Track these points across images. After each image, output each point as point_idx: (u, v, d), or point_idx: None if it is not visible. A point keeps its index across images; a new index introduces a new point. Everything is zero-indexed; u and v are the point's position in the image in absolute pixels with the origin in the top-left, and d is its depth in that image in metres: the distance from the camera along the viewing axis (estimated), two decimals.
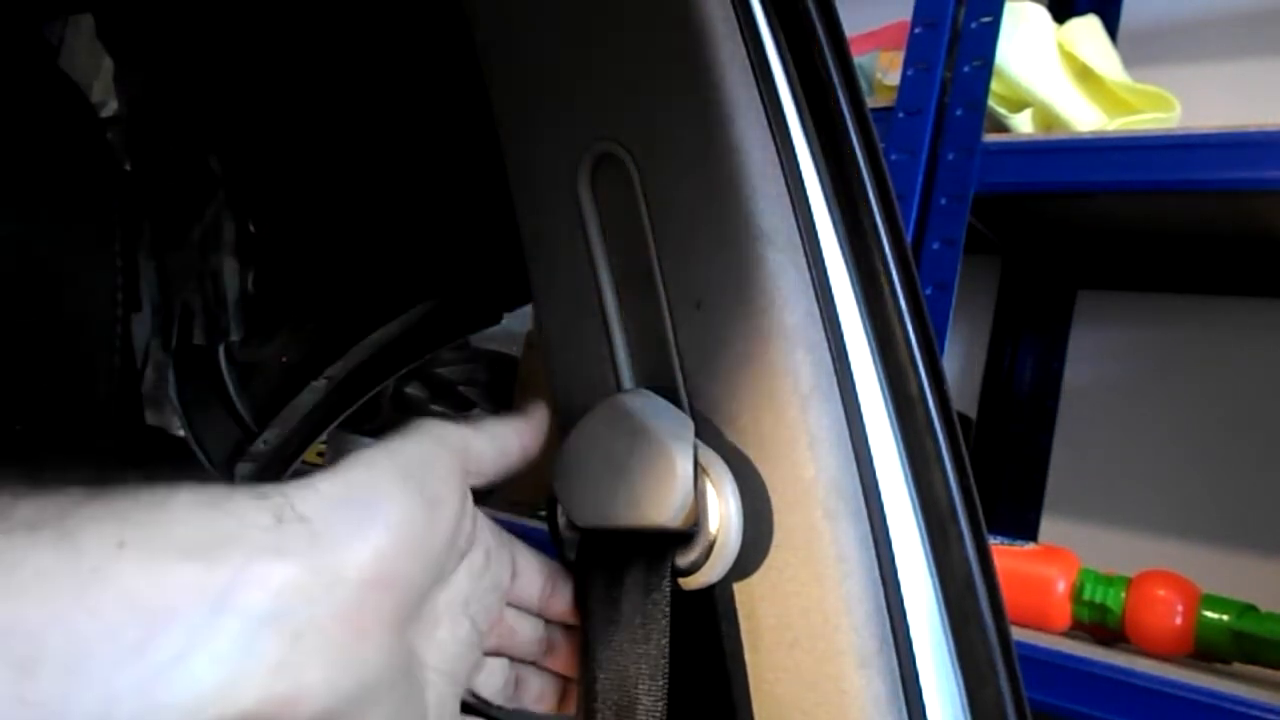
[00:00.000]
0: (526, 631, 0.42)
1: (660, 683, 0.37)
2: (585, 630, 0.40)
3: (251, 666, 0.30)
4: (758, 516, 0.37)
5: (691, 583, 0.38)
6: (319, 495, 0.33)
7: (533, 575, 0.42)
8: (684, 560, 0.38)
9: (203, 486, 0.32)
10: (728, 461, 0.38)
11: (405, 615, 0.35)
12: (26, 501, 0.28)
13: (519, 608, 0.42)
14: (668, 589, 0.38)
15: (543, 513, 0.44)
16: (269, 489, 0.33)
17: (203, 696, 0.29)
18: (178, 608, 0.29)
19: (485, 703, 0.43)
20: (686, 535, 0.38)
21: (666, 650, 0.37)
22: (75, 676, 0.27)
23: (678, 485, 0.37)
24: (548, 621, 0.43)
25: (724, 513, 0.37)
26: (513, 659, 0.43)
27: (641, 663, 0.37)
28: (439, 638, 0.39)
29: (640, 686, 0.37)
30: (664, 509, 0.37)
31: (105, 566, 0.28)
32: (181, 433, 0.86)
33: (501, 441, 0.40)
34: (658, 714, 0.36)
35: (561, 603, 0.42)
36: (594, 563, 0.41)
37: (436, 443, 0.38)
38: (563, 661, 0.43)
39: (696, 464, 0.38)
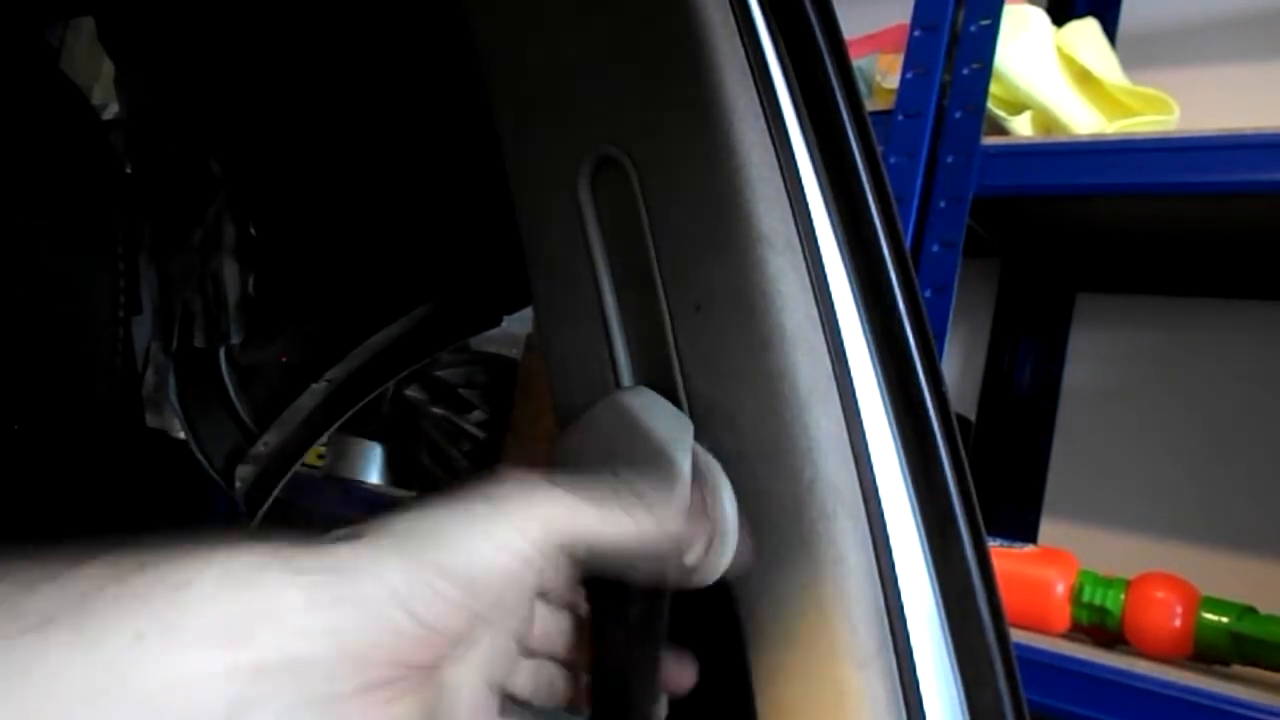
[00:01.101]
0: (546, 622, 0.42)
1: (661, 681, 0.37)
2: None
3: None
4: (756, 518, 0.38)
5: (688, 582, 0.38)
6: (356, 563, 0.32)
7: None
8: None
9: (236, 555, 0.30)
10: (726, 463, 0.38)
11: (440, 663, 0.34)
12: (42, 592, 0.28)
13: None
14: (668, 590, 0.38)
15: None
16: (306, 560, 0.31)
17: None
18: (192, 709, 0.28)
19: (525, 704, 0.42)
20: None
21: (666, 648, 0.37)
22: None
23: (677, 488, 0.37)
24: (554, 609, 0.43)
25: (720, 515, 0.37)
26: (536, 655, 0.42)
27: (641, 663, 0.37)
28: (472, 653, 0.36)
29: (637, 687, 0.37)
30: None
31: (120, 660, 0.27)
32: (182, 435, 0.86)
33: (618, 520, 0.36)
34: (659, 714, 0.36)
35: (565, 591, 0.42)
36: None
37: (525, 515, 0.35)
38: (572, 649, 0.43)
39: (695, 466, 0.38)
